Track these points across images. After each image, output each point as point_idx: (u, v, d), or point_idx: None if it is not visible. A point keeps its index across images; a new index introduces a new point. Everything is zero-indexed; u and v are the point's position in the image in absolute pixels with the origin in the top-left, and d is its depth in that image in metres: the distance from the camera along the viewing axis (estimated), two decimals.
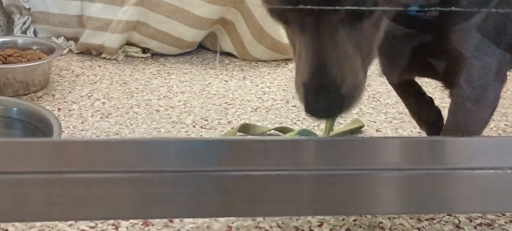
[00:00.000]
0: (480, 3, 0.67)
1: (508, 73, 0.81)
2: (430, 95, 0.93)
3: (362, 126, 1.09)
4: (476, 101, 0.71)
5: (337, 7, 0.54)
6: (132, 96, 1.22)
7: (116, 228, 0.73)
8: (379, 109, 1.19)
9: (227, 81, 1.34)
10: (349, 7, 0.55)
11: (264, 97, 1.24)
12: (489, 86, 0.71)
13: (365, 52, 0.58)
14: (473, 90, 0.71)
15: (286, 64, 1.47)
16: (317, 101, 0.57)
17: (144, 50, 1.53)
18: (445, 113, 0.91)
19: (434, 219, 0.78)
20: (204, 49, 1.61)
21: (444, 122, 0.80)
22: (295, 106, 1.19)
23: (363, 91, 0.59)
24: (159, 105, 1.17)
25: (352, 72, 0.57)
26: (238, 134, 1.03)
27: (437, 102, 0.93)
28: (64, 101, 1.17)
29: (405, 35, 0.68)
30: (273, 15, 0.60)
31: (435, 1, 0.66)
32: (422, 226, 0.76)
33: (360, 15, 0.57)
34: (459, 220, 0.78)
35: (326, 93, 0.57)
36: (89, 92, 1.23)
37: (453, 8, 0.66)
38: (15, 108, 0.97)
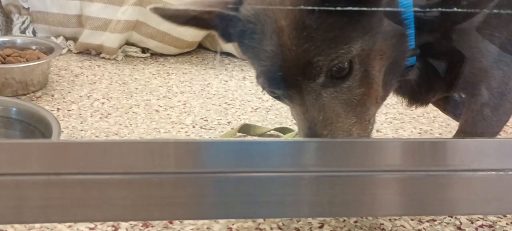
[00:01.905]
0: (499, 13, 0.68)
1: None
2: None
3: None
4: (494, 108, 0.72)
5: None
6: (131, 96, 1.21)
7: (116, 229, 0.73)
8: (379, 110, 1.18)
9: (227, 81, 1.34)
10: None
11: (264, 97, 1.24)
12: (508, 93, 0.72)
13: (359, 109, 0.60)
14: (493, 97, 0.71)
15: None
16: None
17: (144, 50, 1.53)
18: None
19: (435, 220, 0.78)
20: (203, 49, 1.60)
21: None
22: None
23: None
24: (159, 105, 1.17)
25: (345, 130, 0.59)
26: (238, 134, 1.03)
27: None
28: (63, 101, 1.17)
29: (420, 66, 0.68)
30: (267, 93, 0.65)
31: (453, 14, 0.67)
32: (423, 228, 0.76)
33: (339, 76, 0.59)
34: (460, 222, 0.78)
35: None
36: (88, 92, 1.23)
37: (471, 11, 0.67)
38: (14, 109, 0.97)
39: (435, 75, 0.71)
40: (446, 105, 0.95)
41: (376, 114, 0.65)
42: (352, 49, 0.58)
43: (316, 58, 0.57)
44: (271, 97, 0.68)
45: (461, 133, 0.75)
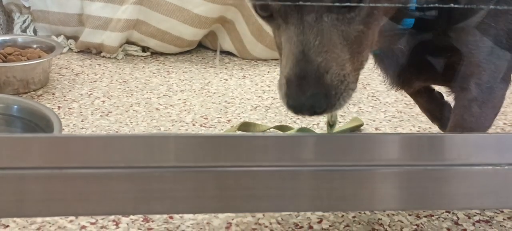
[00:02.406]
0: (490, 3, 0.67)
1: None
2: (439, 91, 0.94)
3: (361, 124, 1.09)
4: (482, 104, 0.71)
5: None
6: (132, 94, 1.22)
7: (117, 224, 0.73)
8: (378, 108, 1.19)
9: (226, 80, 1.35)
10: None
11: (263, 96, 1.24)
12: (496, 88, 0.71)
13: (354, 48, 0.55)
14: (481, 93, 0.71)
15: None
16: (298, 93, 0.53)
17: (144, 48, 1.53)
18: None
19: (433, 215, 0.78)
20: (203, 48, 1.61)
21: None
22: None
23: (352, 87, 0.55)
24: (159, 103, 1.18)
25: (338, 63, 0.54)
26: (237, 132, 1.03)
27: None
28: (64, 100, 1.18)
29: (411, 46, 0.68)
30: (258, 12, 0.58)
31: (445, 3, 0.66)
32: (421, 223, 0.77)
33: (346, 2, 0.54)
34: (457, 217, 0.78)
35: (308, 84, 0.53)
36: (89, 91, 1.23)
37: (463, 6, 0.66)
38: (15, 106, 0.97)
39: (423, 59, 0.70)
40: (425, 104, 0.95)
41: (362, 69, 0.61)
42: None
43: None
44: (263, 21, 0.61)
45: (452, 129, 0.75)
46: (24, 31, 1.53)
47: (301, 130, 1.05)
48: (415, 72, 0.72)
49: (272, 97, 1.23)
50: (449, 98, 0.80)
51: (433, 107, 0.94)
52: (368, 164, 0.48)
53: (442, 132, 0.95)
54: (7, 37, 1.35)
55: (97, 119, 1.09)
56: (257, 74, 1.39)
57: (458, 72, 0.70)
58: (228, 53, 1.55)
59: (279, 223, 0.75)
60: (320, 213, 0.77)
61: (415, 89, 0.89)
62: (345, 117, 1.14)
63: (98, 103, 1.17)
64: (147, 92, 1.24)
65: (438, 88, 0.93)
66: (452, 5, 0.66)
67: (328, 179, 0.48)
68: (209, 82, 1.32)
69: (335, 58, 0.54)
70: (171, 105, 1.17)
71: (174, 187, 0.47)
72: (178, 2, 1.46)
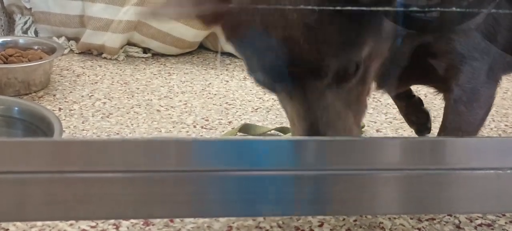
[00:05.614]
0: (473, 5, 0.68)
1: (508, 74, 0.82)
2: (420, 97, 0.96)
3: (362, 126, 1.09)
4: (468, 103, 0.72)
5: None
6: (132, 96, 1.22)
7: (117, 227, 0.73)
8: (380, 109, 1.19)
9: (227, 81, 1.35)
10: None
11: (264, 97, 1.24)
12: (480, 88, 0.72)
13: (356, 107, 0.60)
14: (464, 93, 0.71)
15: None
16: None
17: (145, 50, 1.53)
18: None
19: (435, 219, 0.78)
20: (204, 49, 1.61)
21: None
22: None
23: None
24: (160, 105, 1.18)
25: (346, 131, 0.59)
26: (238, 134, 1.03)
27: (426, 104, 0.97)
28: (65, 101, 1.18)
29: (400, 49, 0.69)
30: (261, 85, 0.62)
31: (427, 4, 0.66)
32: (423, 227, 0.76)
33: (346, 75, 0.58)
34: (459, 221, 0.78)
35: None
36: (90, 92, 1.23)
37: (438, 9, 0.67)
38: (16, 108, 0.97)
39: (407, 63, 0.71)
40: (404, 108, 0.97)
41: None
42: (362, 53, 0.59)
43: (328, 61, 0.56)
44: (268, 93, 0.68)
45: (443, 130, 0.76)
46: (25, 32, 1.53)
47: None
48: (399, 74, 0.73)
49: (272, 99, 1.23)
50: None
51: (411, 112, 0.97)
52: (370, 167, 0.48)
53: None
54: (8, 39, 1.35)
55: (98, 120, 1.09)
56: None
57: (438, 73, 0.71)
58: (229, 54, 1.55)
59: (280, 227, 0.75)
60: (321, 217, 0.77)
61: (397, 92, 0.91)
62: None
63: (99, 104, 1.17)
64: (148, 93, 1.24)
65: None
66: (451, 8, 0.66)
67: (329, 183, 0.48)
68: (210, 84, 1.32)
69: (343, 129, 0.59)
70: (172, 107, 1.17)
71: (175, 191, 0.47)
72: None
